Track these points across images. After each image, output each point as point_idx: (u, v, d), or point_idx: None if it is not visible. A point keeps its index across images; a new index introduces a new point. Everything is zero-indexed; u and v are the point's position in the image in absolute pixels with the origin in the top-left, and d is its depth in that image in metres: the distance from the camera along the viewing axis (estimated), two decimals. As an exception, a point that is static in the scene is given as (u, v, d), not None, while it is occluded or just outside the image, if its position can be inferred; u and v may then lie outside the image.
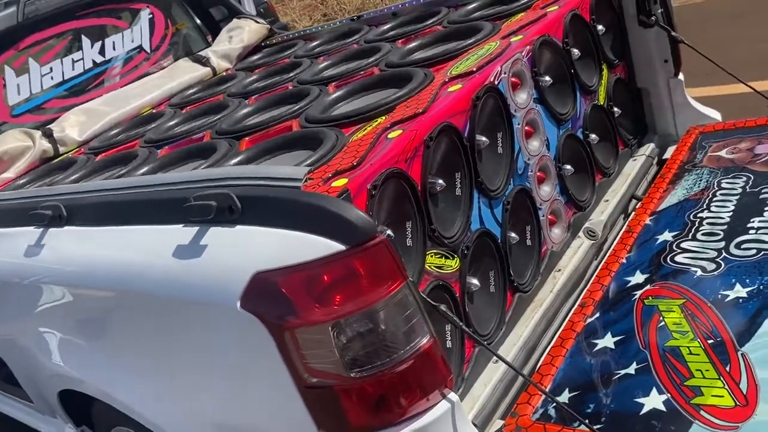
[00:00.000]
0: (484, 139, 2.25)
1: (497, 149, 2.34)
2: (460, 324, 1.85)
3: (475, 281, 2.19)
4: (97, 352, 2.12)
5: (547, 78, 2.60)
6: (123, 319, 1.97)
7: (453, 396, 1.70)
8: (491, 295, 2.28)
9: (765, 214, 2.31)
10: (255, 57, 4.12)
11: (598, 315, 2.16)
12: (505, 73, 2.34)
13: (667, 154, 3.08)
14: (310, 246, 1.55)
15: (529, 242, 2.47)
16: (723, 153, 2.79)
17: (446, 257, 2.09)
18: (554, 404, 1.86)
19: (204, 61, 4.16)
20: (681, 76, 3.13)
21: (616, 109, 3.05)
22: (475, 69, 2.29)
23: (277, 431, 1.72)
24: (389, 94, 2.27)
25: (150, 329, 1.87)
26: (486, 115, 2.26)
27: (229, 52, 4.24)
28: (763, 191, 2.44)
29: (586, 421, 1.75)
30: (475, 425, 1.96)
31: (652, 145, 3.19)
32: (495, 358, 2.21)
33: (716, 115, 3.15)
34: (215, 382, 1.77)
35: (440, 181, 2.06)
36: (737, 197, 2.46)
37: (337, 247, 1.53)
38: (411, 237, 1.95)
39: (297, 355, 1.59)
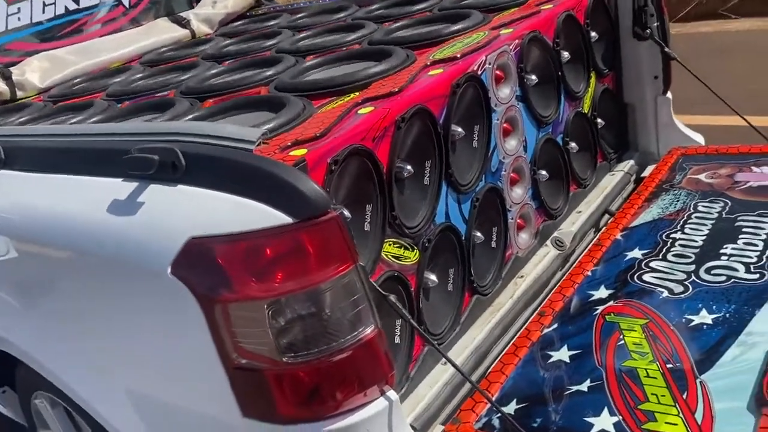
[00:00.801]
0: (459, 129, 2.13)
1: (472, 143, 2.23)
2: (409, 318, 1.73)
3: (432, 277, 2.07)
4: (20, 308, 1.96)
5: (533, 77, 2.49)
6: (49, 274, 1.81)
7: (392, 394, 1.58)
8: (448, 293, 2.16)
9: (739, 241, 2.23)
10: (237, 24, 3.96)
11: (556, 326, 2.05)
12: (489, 64, 2.22)
13: (646, 173, 3.00)
14: (255, 215, 1.41)
15: (494, 244, 2.36)
16: (702, 177, 2.71)
17: (406, 248, 1.97)
18: (499, 414, 1.75)
19: (184, 23, 3.99)
20: (669, 95, 3.05)
21: (599, 120, 2.96)
22: (459, 55, 2.17)
23: (197, 411, 1.59)
24: (366, 68, 2.14)
25: (75, 286, 1.72)
26: (464, 105, 2.15)
27: (211, 16, 4.07)
28: (739, 218, 2.36)
29: (531, 435, 1.65)
30: (414, 428, 1.85)
31: (631, 162, 3.11)
32: (444, 359, 2.10)
33: (700, 139, 3.08)
34: (137, 350, 1.63)
35: (408, 167, 1.94)
36: (712, 222, 2.38)
37: (284, 218, 1.40)
38: (370, 221, 1.82)
39: (227, 332, 1.45)
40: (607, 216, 2.85)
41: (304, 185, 1.41)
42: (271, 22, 3.64)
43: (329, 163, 1.65)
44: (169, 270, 1.44)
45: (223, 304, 1.43)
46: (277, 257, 1.41)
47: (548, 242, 2.61)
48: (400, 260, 1.95)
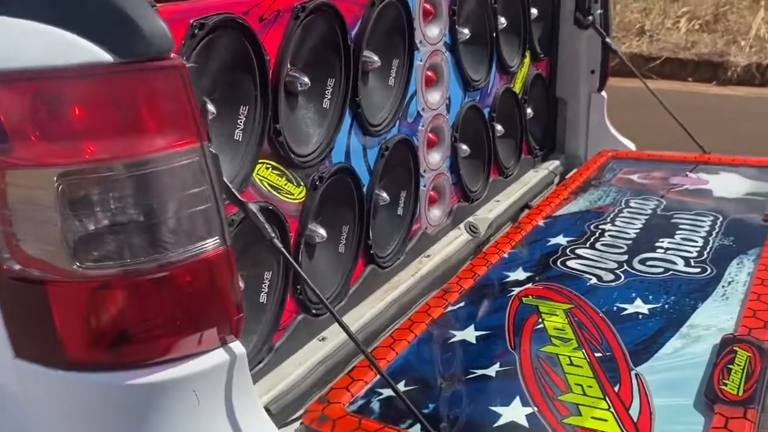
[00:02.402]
0: (375, 57, 1.75)
1: (388, 80, 1.85)
2: (294, 263, 1.29)
3: (320, 230, 1.65)
4: None
5: (466, 31, 2.17)
6: None
7: (238, 347, 1.13)
8: (338, 256, 1.74)
9: (676, 237, 1.95)
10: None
11: (462, 304, 1.67)
12: (418, -11, 1.87)
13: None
14: (63, 48, 0.96)
15: (400, 211, 1.97)
16: (635, 177, 2.46)
17: (289, 180, 1.54)
18: (381, 397, 1.33)
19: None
20: (604, 94, 2.81)
21: (528, 109, 2.67)
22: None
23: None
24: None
25: None
26: (384, 28, 1.77)
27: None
28: (675, 216, 2.09)
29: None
30: (268, 411, 1.39)
31: (557, 163, 2.83)
32: (322, 335, 1.66)
33: (631, 145, 2.84)
34: None
35: (305, 79, 1.53)
36: (646, 217, 2.10)
37: (102, 56, 0.95)
38: (243, 128, 1.39)
39: (-3, 215, 0.98)
40: (527, 211, 2.54)
41: (141, 15, 0.97)
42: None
43: (192, 24, 1.22)
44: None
45: (-6, 170, 0.96)
46: (83, 108, 0.96)
47: (462, 226, 2.26)
48: (280, 193, 1.52)
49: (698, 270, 1.74)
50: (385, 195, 1.88)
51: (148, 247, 1.02)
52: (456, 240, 2.19)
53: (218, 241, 1.07)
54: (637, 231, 2.01)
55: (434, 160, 2.09)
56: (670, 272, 1.75)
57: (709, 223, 2.01)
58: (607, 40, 2.66)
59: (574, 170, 2.72)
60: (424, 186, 2.06)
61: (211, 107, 1.30)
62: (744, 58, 6.87)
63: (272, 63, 1.43)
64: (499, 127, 2.46)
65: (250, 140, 1.40)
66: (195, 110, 1.02)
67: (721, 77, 6.95)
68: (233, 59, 1.34)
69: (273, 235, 1.21)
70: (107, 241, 1.00)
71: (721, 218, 2.03)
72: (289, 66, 1.51)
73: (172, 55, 1.01)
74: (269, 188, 1.48)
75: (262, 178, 1.46)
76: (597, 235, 2.00)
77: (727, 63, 6.95)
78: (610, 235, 1.99)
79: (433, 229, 2.13)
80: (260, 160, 1.45)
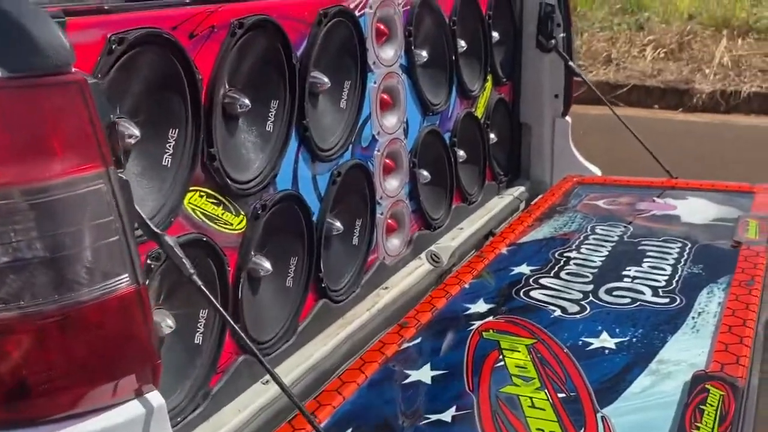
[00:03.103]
0: (324, 78, 1.66)
1: (340, 102, 1.75)
2: (213, 301, 1.16)
3: (265, 263, 1.53)
4: None
5: (423, 53, 2.09)
6: None
7: (155, 397, 1.00)
8: (286, 290, 1.62)
9: (644, 265, 1.86)
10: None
11: (419, 340, 1.56)
12: (371, 9, 1.79)
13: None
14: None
15: (355, 240, 1.86)
16: (600, 203, 2.38)
17: (227, 209, 1.42)
18: (325, 447, 1.20)
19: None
20: (569, 119, 2.75)
21: (492, 135, 2.59)
22: (336, -11, 1.72)
23: None
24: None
25: None
26: (333, 48, 1.68)
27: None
28: (642, 243, 2.01)
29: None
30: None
31: (522, 189, 2.75)
32: (266, 378, 1.53)
33: (597, 171, 2.78)
34: None
35: (244, 100, 1.42)
36: (613, 244, 2.02)
37: (-10, 69, 0.83)
38: (172, 153, 1.27)
39: None
40: (491, 239, 2.44)
41: (32, 23, 0.86)
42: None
43: (109, 38, 1.11)
44: None
45: None
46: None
47: (423, 255, 2.15)
48: (216, 223, 1.39)
49: (667, 300, 1.65)
50: (338, 224, 1.77)
51: (49, 287, 0.89)
52: (416, 270, 2.08)
53: (128, 279, 0.95)
54: (603, 259, 1.92)
55: (391, 186, 1.99)
56: (638, 303, 1.65)
57: (677, 250, 1.93)
58: (570, 63, 2.61)
59: (539, 196, 2.64)
60: (381, 214, 1.95)
61: (134, 130, 1.18)
62: (708, 86, 6.96)
63: (205, 82, 1.32)
64: (461, 152, 2.38)
65: (180, 166, 1.28)
66: (99, 131, 0.90)
67: (686, 104, 7.02)
68: (160, 78, 1.23)
69: (192, 271, 1.08)
70: (1, 280, 0.87)
71: (689, 245, 1.96)
72: (227, 86, 1.40)
73: (73, 69, 0.90)
74: (203, 218, 1.36)
75: (194, 206, 1.34)
76: (562, 263, 1.91)
77: (692, 90, 7.04)
78: (575, 263, 1.90)
79: (391, 259, 2.02)
80: (193, 188, 1.33)
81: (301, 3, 1.56)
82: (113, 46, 1.11)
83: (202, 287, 1.10)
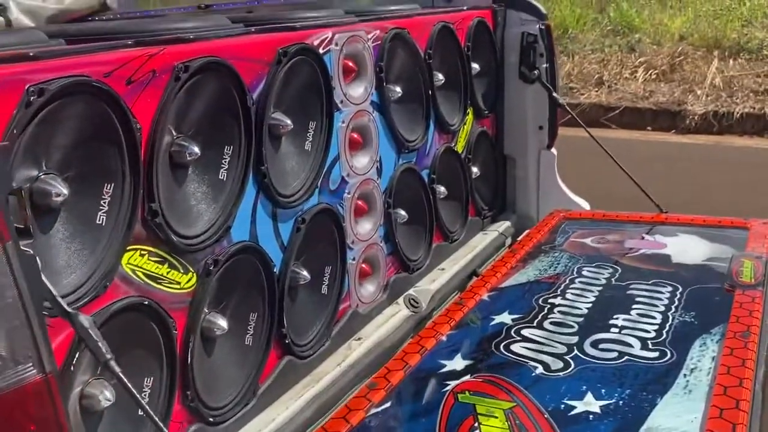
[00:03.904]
0: (286, 120, 1.55)
1: (304, 144, 1.65)
2: (131, 388, 1.02)
3: (220, 321, 1.41)
4: None
5: (397, 88, 1.99)
6: None
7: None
8: (244, 349, 1.50)
9: (632, 312, 1.74)
10: (71, 25, 3.30)
11: (388, 405, 1.43)
12: (336, 45, 1.69)
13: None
14: None
15: (324, 289, 1.74)
16: (588, 241, 2.27)
17: (173, 267, 1.30)
18: None
19: (-1, 9, 3.27)
20: (554, 151, 2.65)
21: (474, 168, 2.49)
22: (298, 25, 1.62)
23: None
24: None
25: None
26: (295, 87, 1.58)
27: (38, 9, 3.35)
28: (631, 286, 1.89)
29: None
30: None
31: (507, 224, 2.64)
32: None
33: (585, 204, 2.67)
34: None
35: (193, 148, 1.31)
36: (600, 288, 1.90)
37: None
38: (107, 210, 1.16)
39: None
40: (475, 279, 2.33)
41: None
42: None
43: (28, 90, 1.00)
44: None
45: None
46: None
47: (400, 300, 2.03)
48: (160, 284, 1.28)
49: (657, 354, 1.53)
50: (304, 273, 1.66)
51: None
52: (393, 317, 1.96)
53: (33, 369, 0.83)
54: (590, 305, 1.80)
55: (364, 229, 1.88)
56: (626, 358, 1.53)
57: (667, 295, 1.81)
58: (554, 95, 2.51)
59: (524, 233, 2.53)
60: (353, 259, 1.84)
61: (61, 188, 1.07)
62: (701, 107, 6.91)
63: (146, 131, 1.21)
64: (441, 188, 2.27)
65: (117, 224, 1.17)
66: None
67: (679, 125, 6.96)
68: (91, 129, 1.12)
69: (109, 356, 0.96)
70: None
71: (680, 289, 1.84)
72: (174, 133, 1.29)
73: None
74: (145, 278, 1.24)
75: (134, 267, 1.22)
76: (546, 311, 1.79)
77: (684, 111, 6.98)
78: (560, 311, 1.78)
79: (365, 306, 1.90)
80: (132, 247, 1.21)
81: (256, 42, 1.46)
82: (31, 98, 1.00)
83: (120, 375, 0.97)
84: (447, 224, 2.31)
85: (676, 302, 1.78)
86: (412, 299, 2.05)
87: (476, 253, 2.40)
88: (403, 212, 2.06)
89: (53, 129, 1.06)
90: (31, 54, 1.06)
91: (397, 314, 1.97)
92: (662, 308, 1.75)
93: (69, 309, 0.93)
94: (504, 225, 2.62)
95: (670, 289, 1.85)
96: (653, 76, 7.74)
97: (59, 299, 0.91)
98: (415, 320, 2.01)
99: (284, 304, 1.58)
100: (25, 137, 1.02)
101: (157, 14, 3.37)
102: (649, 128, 7.15)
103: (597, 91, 7.89)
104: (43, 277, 0.87)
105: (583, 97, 7.75)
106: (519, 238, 2.45)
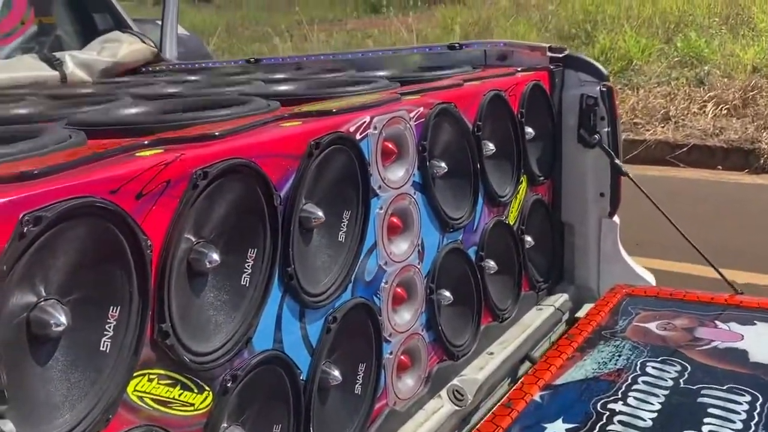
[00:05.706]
0: (318, 212, 1.44)
1: (338, 235, 1.52)
2: None
3: (240, 437, 1.29)
4: None
5: (442, 163, 1.85)
6: None
7: None
8: (268, 464, 1.37)
9: (704, 428, 1.53)
10: (126, 78, 3.33)
11: None
12: (375, 129, 1.57)
13: (582, 313, 2.34)
14: None
15: (358, 389, 1.61)
16: (653, 326, 2.06)
17: (186, 388, 1.19)
18: None
19: (55, 63, 3.32)
20: (617, 219, 2.45)
21: (528, 238, 2.32)
22: (334, 110, 1.51)
23: None
24: (194, 113, 1.46)
25: None
26: (328, 178, 1.46)
27: (93, 63, 3.42)
28: (703, 392, 1.68)
29: None
30: None
31: (565, 297, 2.45)
32: None
33: (650, 279, 2.46)
34: None
35: (212, 255, 1.20)
36: (666, 392, 1.69)
37: None
38: (112, 336, 1.06)
39: None
40: (528, 364, 2.15)
41: None
42: (160, 77, 3.04)
43: (23, 219, 0.91)
44: None
45: None
46: None
47: (443, 392, 1.87)
48: (171, 408, 1.17)
49: (735, 492, 1.33)
50: (335, 373, 1.53)
51: None
52: (435, 414, 1.80)
53: None
54: (654, 416, 1.60)
55: (403, 319, 1.74)
56: (697, 494, 1.33)
57: (746, 407, 1.59)
58: (617, 161, 2.33)
59: (585, 308, 2.33)
60: (390, 353, 1.70)
61: (60, 317, 0.98)
62: (776, 145, 6.52)
63: (159, 244, 1.11)
64: (491, 263, 2.11)
65: (122, 350, 1.07)
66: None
67: (752, 165, 6.59)
68: (93, 252, 1.02)
69: None
70: None
71: (761, 399, 1.62)
72: (193, 240, 1.19)
73: None
74: (154, 405, 1.14)
75: (142, 394, 1.12)
76: (604, 419, 1.60)
77: (759, 150, 6.61)
78: (620, 421, 1.59)
79: (403, 403, 1.75)
80: (139, 372, 1.11)
81: (285, 136, 1.35)
82: (26, 229, 0.91)
83: None
84: (497, 302, 2.14)
85: (756, 417, 1.56)
86: (457, 391, 1.89)
87: (529, 334, 2.22)
88: (447, 293, 1.91)
89: (53, 255, 0.97)
90: (26, 172, 0.97)
91: (439, 410, 1.82)
92: (739, 425, 1.53)
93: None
94: (561, 298, 2.44)
95: (749, 398, 1.63)
96: (724, 111, 7.37)
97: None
98: (460, 416, 1.85)
99: (312, 412, 1.45)
100: (19, 266, 0.93)
101: (206, 66, 3.37)
102: (719, 167, 6.78)
103: (663, 127, 7.57)
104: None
105: (648, 134, 7.44)
106: (578, 316, 2.26)
